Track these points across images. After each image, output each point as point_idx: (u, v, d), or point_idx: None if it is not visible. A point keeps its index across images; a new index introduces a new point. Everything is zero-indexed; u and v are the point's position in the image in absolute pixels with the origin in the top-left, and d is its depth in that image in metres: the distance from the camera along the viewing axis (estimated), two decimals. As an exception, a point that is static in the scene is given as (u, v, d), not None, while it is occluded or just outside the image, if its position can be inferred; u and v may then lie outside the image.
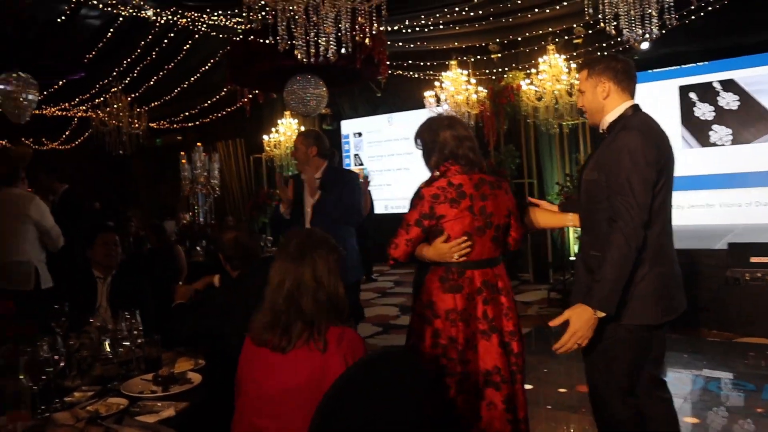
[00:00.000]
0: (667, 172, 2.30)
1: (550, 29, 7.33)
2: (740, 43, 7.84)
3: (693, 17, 6.74)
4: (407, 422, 1.83)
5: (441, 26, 6.81)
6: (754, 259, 5.73)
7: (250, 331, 1.92)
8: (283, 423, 1.81)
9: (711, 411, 3.98)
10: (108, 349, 2.43)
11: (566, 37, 7.68)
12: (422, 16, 6.42)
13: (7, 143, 11.70)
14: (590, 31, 7.33)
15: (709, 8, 6.81)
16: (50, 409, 2.02)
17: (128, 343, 2.39)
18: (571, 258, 7.95)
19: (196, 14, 7.15)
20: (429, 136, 2.66)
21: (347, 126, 11.17)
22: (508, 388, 2.49)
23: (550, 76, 7.40)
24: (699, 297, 6.04)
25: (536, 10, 6.42)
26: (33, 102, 7.35)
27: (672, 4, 4.98)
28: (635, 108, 2.41)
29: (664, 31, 6.03)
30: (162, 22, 7.35)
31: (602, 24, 5.09)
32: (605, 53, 7.63)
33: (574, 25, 7.29)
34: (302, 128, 9.91)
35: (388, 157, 10.68)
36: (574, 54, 7.77)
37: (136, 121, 9.40)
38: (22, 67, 7.16)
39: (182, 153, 7.81)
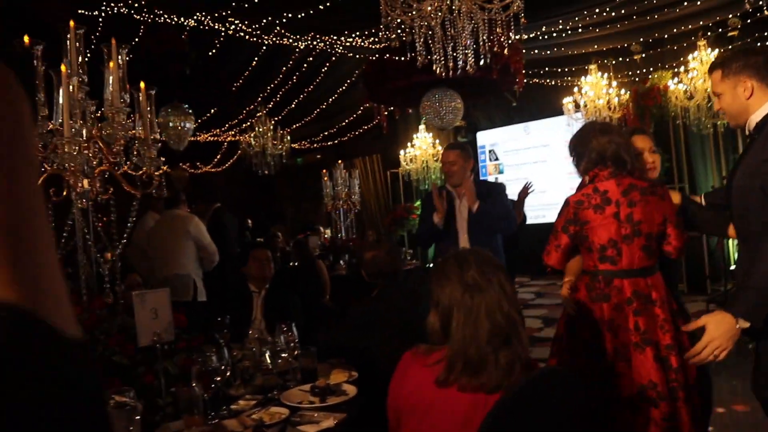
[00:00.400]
0: None
1: (701, 23, 6.85)
2: None
3: None
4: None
5: (580, 30, 6.58)
6: None
7: (439, 379, 1.69)
8: None
9: None
10: (268, 360, 2.55)
11: (720, 30, 7.14)
12: (560, 21, 6.24)
13: (167, 168, 12.76)
14: (748, 21, 6.76)
15: None
16: (219, 415, 2.15)
17: (286, 355, 2.49)
18: (731, 267, 7.34)
19: (333, 38, 7.43)
20: (579, 142, 2.62)
21: (483, 137, 11.07)
22: (667, 405, 2.34)
23: (702, 72, 6.91)
24: None
25: (685, 3, 6.01)
26: (189, 130, 7.98)
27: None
28: None
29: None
30: (301, 47, 7.70)
31: (766, 11, 4.69)
32: (766, 43, 7.02)
33: (729, 16, 6.76)
34: (437, 141, 9.97)
35: (524, 165, 10.45)
36: (730, 47, 7.20)
37: (279, 142, 9.91)
38: (180, 98, 7.81)
39: (324, 171, 8.11)
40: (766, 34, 6.80)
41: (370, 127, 10.25)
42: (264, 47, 7.73)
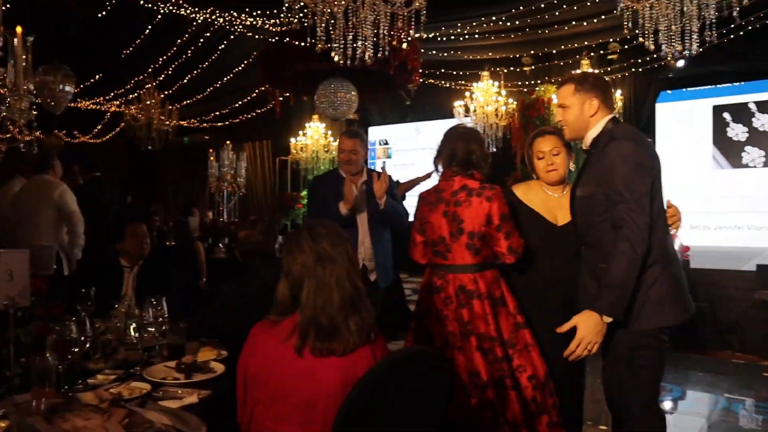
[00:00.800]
0: (659, 177, 2.35)
1: (586, 43, 7.28)
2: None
3: (732, 36, 6.64)
4: (433, 424, 1.80)
5: (476, 36, 6.79)
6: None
7: (287, 340, 1.77)
8: (308, 429, 1.74)
9: (735, 435, 3.89)
10: (133, 334, 2.45)
11: (601, 52, 7.62)
12: (458, 24, 6.41)
13: (40, 134, 11.90)
14: (626, 47, 7.26)
15: (749, 27, 6.72)
16: (74, 389, 2.03)
17: (153, 330, 2.40)
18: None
19: (233, 14, 7.22)
20: (441, 141, 2.90)
21: (375, 133, 11.16)
22: (493, 392, 2.56)
23: (583, 90, 7.33)
24: (725, 318, 5.94)
25: (574, 23, 6.36)
26: (69, 94, 7.47)
27: (714, 21, 4.92)
28: (614, 120, 2.45)
29: (701, 49, 5.97)
30: (199, 21, 7.43)
31: (641, 39, 5.05)
32: (640, 69, 7.56)
33: (611, 40, 7.23)
34: (329, 132, 9.95)
35: (412, 166, 10.63)
36: (608, 69, 7.70)
37: (167, 118, 9.51)
38: (61, 60, 7.29)
39: (211, 150, 7.87)
40: (639, 60, 7.34)
41: (263, 111, 10.05)
42: (159, 15, 7.40)
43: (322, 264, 1.77)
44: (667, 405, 4.49)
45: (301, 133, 9.98)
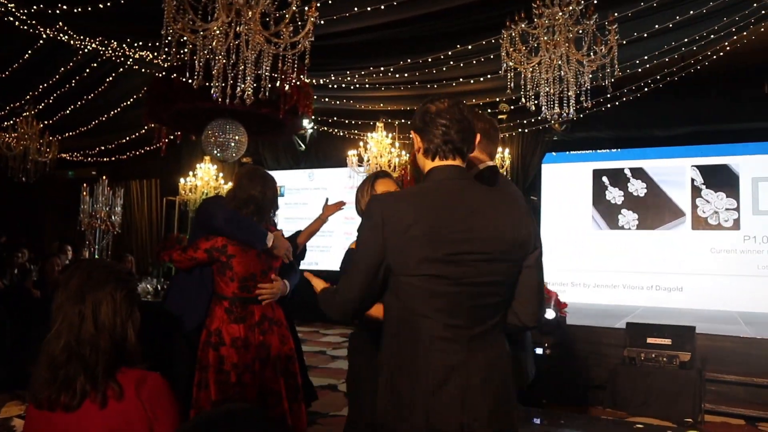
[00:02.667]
0: None
1: (475, 101, 7.52)
2: (651, 135, 8.27)
3: (609, 105, 7.06)
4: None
5: (367, 86, 6.85)
6: (650, 340, 5.84)
7: (31, 391, 1.59)
8: None
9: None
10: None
11: (490, 111, 7.89)
12: (347, 72, 6.44)
13: None
14: (512, 108, 7.56)
15: (624, 99, 7.18)
16: None
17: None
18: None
19: (123, 47, 6.94)
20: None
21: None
22: (288, 404, 2.87)
23: (472, 147, 7.53)
24: (596, 375, 6.09)
25: (461, 80, 6.56)
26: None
27: (589, 89, 5.20)
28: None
29: (581, 115, 6.30)
30: (85, 50, 7.10)
31: (523, 100, 5.25)
32: (526, 130, 7.88)
33: (498, 99, 7.51)
34: (221, 174, 9.69)
35: (307, 219, 10.36)
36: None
37: (46, 149, 8.97)
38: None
39: (84, 185, 7.44)
40: (526, 121, 7.65)
41: (151, 149, 9.68)
42: (41, 40, 7.00)
43: (63, 308, 1.60)
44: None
45: (191, 173, 9.66)
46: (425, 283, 1.68)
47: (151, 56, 7.13)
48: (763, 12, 5.54)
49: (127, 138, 9.92)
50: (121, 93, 8.37)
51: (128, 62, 7.31)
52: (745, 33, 5.88)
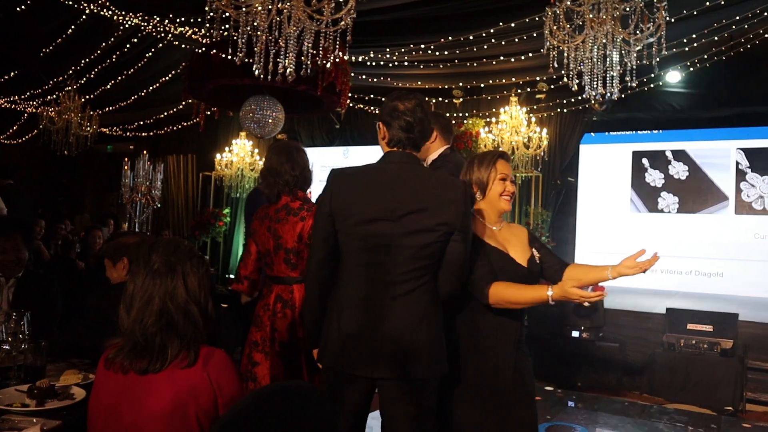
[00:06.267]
0: None
1: (514, 80, 7.39)
2: (694, 117, 8.05)
3: (652, 85, 6.89)
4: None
5: (406, 64, 6.78)
6: (691, 326, 5.75)
7: (108, 358, 1.69)
8: None
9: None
10: (-13, 353, 2.20)
11: (528, 90, 7.75)
12: (387, 50, 6.37)
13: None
14: (552, 87, 7.41)
15: (668, 78, 7.00)
16: None
17: (8, 347, 2.16)
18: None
19: (164, 23, 6.97)
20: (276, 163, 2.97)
21: (303, 155, 10.94)
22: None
23: (510, 126, 7.44)
24: (633, 360, 6.03)
25: (502, 58, 6.44)
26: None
27: (634, 68, 5.07)
28: (452, 149, 3.11)
29: (623, 95, 6.16)
30: (126, 26, 7.15)
31: (566, 79, 5.13)
32: (566, 110, 7.73)
33: (537, 78, 7.37)
34: (256, 151, 9.73)
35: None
36: (535, 107, 7.84)
37: (87, 123, 9.11)
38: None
39: (126, 159, 7.54)
40: (565, 101, 7.50)
41: (189, 125, 9.75)
42: (84, 15, 7.07)
43: (151, 278, 1.68)
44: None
45: (227, 149, 9.72)
46: (355, 241, 2.12)
47: (190, 32, 7.15)
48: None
49: (165, 113, 10.01)
50: (160, 68, 8.42)
51: (168, 37, 7.34)
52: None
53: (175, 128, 10.26)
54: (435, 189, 2.15)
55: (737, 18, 5.81)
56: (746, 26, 6.03)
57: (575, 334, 6.08)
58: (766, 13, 5.74)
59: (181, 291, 1.67)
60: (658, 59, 5.01)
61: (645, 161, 8.51)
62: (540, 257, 2.48)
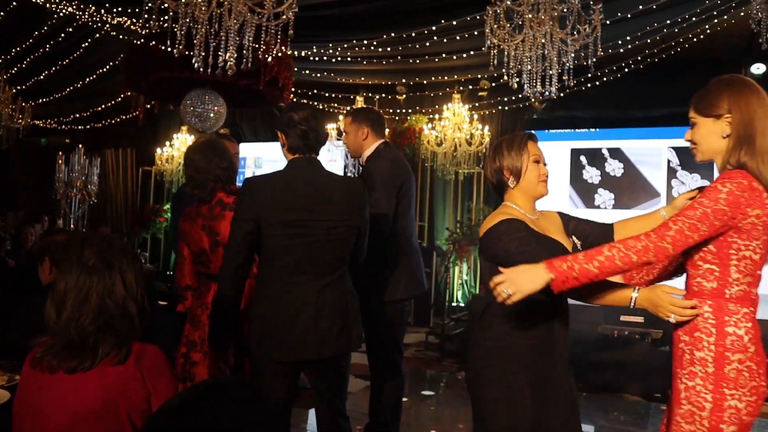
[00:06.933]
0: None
1: (456, 77, 7.50)
2: (629, 116, 8.34)
3: (589, 85, 7.09)
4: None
5: (349, 59, 6.79)
6: (623, 318, 5.97)
7: (35, 358, 1.64)
8: None
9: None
10: None
11: (471, 87, 7.88)
12: (330, 45, 6.37)
13: None
14: (493, 84, 7.55)
15: (604, 78, 7.22)
16: None
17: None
18: (453, 303, 7.98)
19: (101, 12, 6.77)
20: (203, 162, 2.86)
21: (245, 149, 10.82)
22: None
23: (453, 123, 7.55)
24: (572, 351, 6.18)
25: (444, 55, 6.52)
26: None
27: (571, 68, 5.22)
28: (385, 143, 3.33)
29: (562, 94, 6.33)
30: (61, 14, 6.91)
31: (506, 78, 5.24)
32: (506, 107, 7.89)
33: (479, 76, 7.49)
34: (199, 145, 9.57)
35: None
36: (477, 105, 7.97)
37: (18, 115, 8.78)
38: None
39: (60, 153, 7.31)
40: (506, 99, 7.66)
41: (127, 118, 9.51)
42: (14, 1, 6.80)
43: (87, 275, 1.64)
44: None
45: (168, 143, 9.53)
46: (281, 240, 2.37)
47: (129, 22, 6.97)
48: (742, -3, 5.59)
49: (103, 106, 9.73)
50: (98, 59, 8.19)
51: (105, 27, 7.14)
52: (725, 17, 5.92)
53: (113, 121, 9.99)
54: (340, 189, 2.49)
55: (668, 22, 6.05)
56: (676, 30, 6.28)
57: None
58: (694, 18, 6.00)
59: (119, 288, 1.66)
60: (594, 59, 5.17)
61: (583, 159, 8.76)
62: (580, 243, 2.23)
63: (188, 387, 1.66)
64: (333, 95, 8.32)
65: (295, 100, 7.53)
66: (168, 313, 3.79)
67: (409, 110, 8.20)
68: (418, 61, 6.69)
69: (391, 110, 8.24)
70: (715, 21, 6.04)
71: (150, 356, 1.66)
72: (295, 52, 6.39)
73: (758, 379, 1.77)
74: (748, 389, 1.75)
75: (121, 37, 7.16)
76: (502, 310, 2.02)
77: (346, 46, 6.36)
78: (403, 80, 7.87)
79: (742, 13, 6.02)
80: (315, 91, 8.14)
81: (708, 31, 6.25)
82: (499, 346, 2.06)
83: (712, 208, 1.76)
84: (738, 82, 1.96)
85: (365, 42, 6.23)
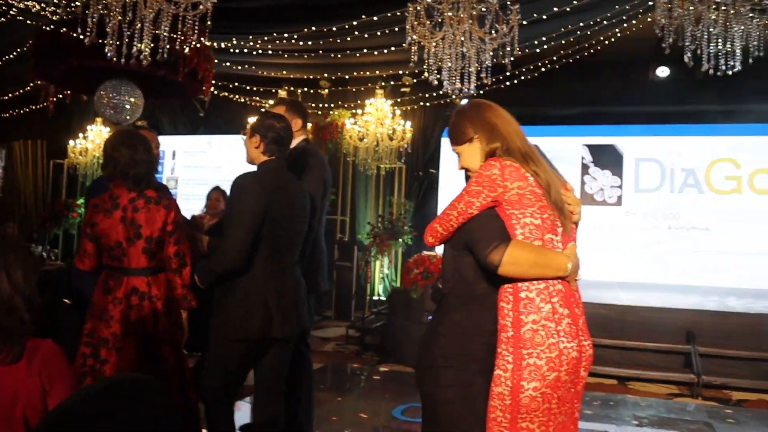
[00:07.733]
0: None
1: (378, 72, 7.55)
2: (546, 114, 8.65)
3: (507, 83, 7.29)
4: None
5: (270, 52, 6.72)
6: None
7: None
8: None
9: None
10: None
11: (393, 83, 7.95)
12: (251, 37, 6.28)
13: None
14: (415, 81, 7.65)
15: (522, 77, 7.44)
16: None
17: None
18: (375, 297, 8.05)
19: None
20: (110, 150, 2.84)
21: (164, 143, 10.45)
22: None
23: (375, 118, 7.60)
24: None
25: (366, 51, 6.56)
26: None
27: (489, 66, 5.35)
28: (307, 140, 3.46)
29: (481, 92, 6.48)
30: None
31: (426, 74, 5.33)
32: (428, 104, 8.01)
33: (401, 72, 7.57)
34: (114, 137, 9.24)
35: (202, 184, 10.10)
36: (399, 101, 8.05)
37: None
38: None
39: (-39, 145, 6.90)
40: (427, 95, 7.78)
41: (37, 108, 9.07)
42: None
43: None
44: None
45: (81, 135, 9.15)
46: (270, 232, 2.68)
47: (38, 7, 6.65)
48: (650, 3, 5.88)
49: (10, 95, 9.24)
50: (4, 45, 7.77)
51: (11, 11, 6.78)
52: (634, 21, 6.22)
53: (21, 112, 9.50)
54: (298, 188, 2.89)
55: (581, 24, 6.29)
56: (589, 32, 6.55)
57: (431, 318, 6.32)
58: (605, 22, 6.28)
59: (4, 285, 1.59)
60: (512, 58, 5.33)
61: (502, 155, 9.01)
62: None
63: (87, 385, 1.59)
64: (255, 88, 8.22)
65: (215, 92, 7.40)
66: (75, 311, 3.66)
67: (332, 105, 8.20)
68: (340, 56, 6.70)
69: (313, 104, 8.21)
70: (625, 25, 6.34)
71: (44, 352, 1.60)
72: (215, 44, 6.26)
73: (556, 335, 1.87)
74: (546, 346, 1.85)
75: (29, 22, 6.82)
76: (458, 302, 2.10)
77: (267, 38, 6.28)
78: (326, 74, 7.86)
79: (648, 19, 6.35)
80: (236, 84, 8.01)
81: (618, 34, 6.55)
82: (458, 344, 2.06)
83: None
84: (473, 107, 2.19)
85: (286, 35, 6.18)
